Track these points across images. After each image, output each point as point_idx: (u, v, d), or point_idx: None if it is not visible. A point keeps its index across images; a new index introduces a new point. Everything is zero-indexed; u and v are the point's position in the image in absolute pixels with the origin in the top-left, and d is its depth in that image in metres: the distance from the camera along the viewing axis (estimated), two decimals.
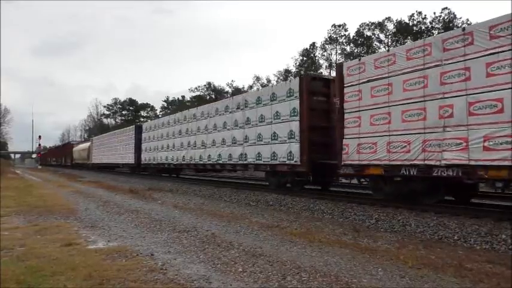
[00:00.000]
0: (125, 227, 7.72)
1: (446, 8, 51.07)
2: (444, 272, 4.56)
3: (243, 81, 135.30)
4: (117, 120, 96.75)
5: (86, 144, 45.31)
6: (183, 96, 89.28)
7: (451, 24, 47.05)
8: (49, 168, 58.40)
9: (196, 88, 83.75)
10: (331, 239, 6.53)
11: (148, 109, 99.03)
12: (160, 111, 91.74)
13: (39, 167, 60.71)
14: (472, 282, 4.20)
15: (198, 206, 11.19)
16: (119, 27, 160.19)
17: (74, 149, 52.18)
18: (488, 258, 5.29)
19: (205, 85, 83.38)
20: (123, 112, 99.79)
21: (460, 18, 49.74)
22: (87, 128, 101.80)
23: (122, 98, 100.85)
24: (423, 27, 51.72)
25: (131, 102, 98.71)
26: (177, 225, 7.84)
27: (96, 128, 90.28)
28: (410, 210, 8.75)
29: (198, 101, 74.45)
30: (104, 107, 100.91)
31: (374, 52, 46.51)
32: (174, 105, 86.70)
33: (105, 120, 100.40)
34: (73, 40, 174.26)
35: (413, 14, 53.33)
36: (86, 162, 44.01)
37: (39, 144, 59.99)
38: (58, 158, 68.53)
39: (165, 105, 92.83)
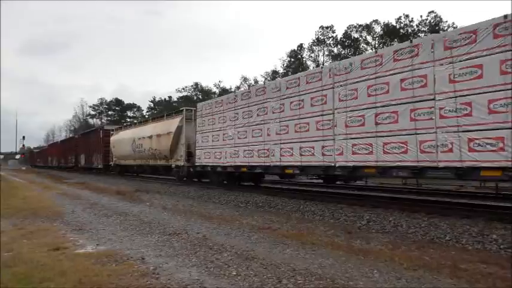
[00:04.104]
0: (114, 230, 7.56)
1: (432, 11, 51.74)
2: (440, 273, 4.54)
3: (231, 81, 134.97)
4: (103, 120, 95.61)
5: (166, 124, 20.86)
6: (169, 97, 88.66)
7: (437, 28, 47.64)
8: (33, 170, 57.36)
9: (183, 88, 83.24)
10: (323, 241, 6.48)
11: (135, 109, 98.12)
12: (147, 112, 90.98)
13: (23, 168, 59.48)
14: (468, 283, 4.18)
15: (187, 208, 11.05)
16: (107, 28, 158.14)
17: (115, 138, 28.82)
18: (481, 258, 5.29)
19: (192, 85, 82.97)
20: (109, 112, 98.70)
21: (446, 21, 50.44)
22: (73, 128, 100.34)
23: (109, 98, 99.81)
24: (410, 30, 52.26)
25: (117, 102, 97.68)
26: (167, 228, 7.70)
27: (82, 128, 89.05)
28: (401, 211, 8.77)
29: (185, 101, 74.05)
30: (90, 107, 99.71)
31: (361, 53, 46.84)
32: (161, 106, 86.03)
33: (90, 121, 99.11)
34: (61, 40, 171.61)
35: (400, 17, 53.86)
36: (160, 164, 21.63)
37: (23, 145, 58.87)
38: (65, 157, 46.76)
39: (152, 105, 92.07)
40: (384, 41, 53.81)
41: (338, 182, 16.75)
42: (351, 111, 9.51)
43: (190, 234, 7.07)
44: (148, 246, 6.14)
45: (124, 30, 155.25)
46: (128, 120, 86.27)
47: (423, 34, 46.80)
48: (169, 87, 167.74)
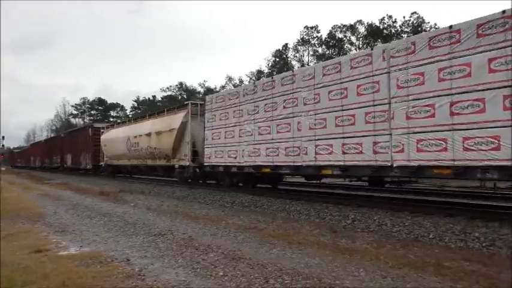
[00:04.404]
0: (98, 231, 7.45)
1: (415, 12, 52.50)
2: (424, 271, 4.60)
3: (215, 81, 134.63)
4: (85, 120, 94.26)
5: (168, 120, 18.84)
6: (153, 96, 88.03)
7: (419, 29, 48.32)
8: (13, 170, 56.20)
9: (167, 88, 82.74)
10: (309, 240, 6.51)
11: (118, 109, 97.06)
12: (131, 111, 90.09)
13: (3, 168, 58.10)
14: (452, 281, 4.24)
15: (172, 208, 10.97)
16: (91, 27, 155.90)
17: (106, 136, 26.85)
18: (464, 256, 5.38)
19: (177, 85, 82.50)
20: (92, 112, 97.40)
21: (428, 22, 51.22)
22: (54, 128, 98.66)
23: (91, 98, 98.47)
24: (393, 31, 52.91)
25: (100, 101, 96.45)
26: (152, 229, 7.63)
27: (64, 128, 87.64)
28: (386, 210, 8.86)
29: (170, 101, 73.58)
30: (72, 106, 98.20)
31: (345, 54, 47.23)
32: (145, 105, 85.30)
33: (73, 120, 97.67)
34: (41, 39, 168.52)
35: (383, 18, 54.50)
36: (160, 164, 19.81)
37: (3, 145, 57.48)
38: (50, 157, 44.35)
39: (136, 105, 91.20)
40: (367, 41, 54.35)
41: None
42: (414, 99, 7.98)
43: (175, 234, 7.01)
44: (134, 247, 6.06)
45: (106, 30, 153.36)
46: (112, 119, 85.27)
47: (406, 35, 47.44)
48: (153, 87, 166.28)
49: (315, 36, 61.62)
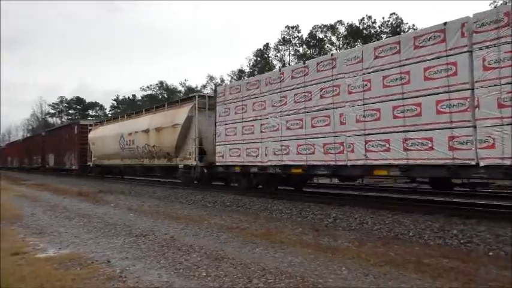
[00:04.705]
0: (77, 233, 7.31)
1: (394, 13, 53.37)
2: (405, 269, 4.67)
3: (196, 80, 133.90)
4: (63, 119, 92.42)
5: (170, 115, 17.04)
6: (133, 95, 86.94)
7: (398, 29, 49.12)
8: None
9: (148, 87, 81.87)
10: (292, 239, 6.53)
11: (97, 108, 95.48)
12: (110, 111, 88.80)
13: None
14: (432, 278, 4.32)
15: (153, 209, 10.85)
16: (68, 25, 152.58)
17: (95, 134, 25.09)
18: (443, 253, 5.49)
19: (157, 84, 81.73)
20: (70, 111, 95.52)
21: (407, 23, 52.12)
22: (30, 127, 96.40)
23: (69, 97, 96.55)
24: (372, 31, 53.63)
25: (78, 100, 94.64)
26: (133, 229, 7.53)
27: (40, 127, 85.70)
28: (366, 209, 8.97)
29: (150, 100, 72.85)
30: (49, 105, 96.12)
31: (326, 54, 47.65)
32: (125, 104, 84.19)
33: (50, 120, 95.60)
34: (17, 37, 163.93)
35: (363, 18, 55.18)
36: (160, 164, 18.08)
37: None
38: (29, 157, 41.66)
39: (115, 104, 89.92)
40: (347, 41, 54.96)
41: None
42: (509, 83, 6.59)
43: (157, 235, 6.94)
44: (114, 248, 5.97)
45: (84, 28, 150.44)
46: (90, 119, 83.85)
47: (385, 35, 48.13)
48: (133, 86, 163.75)
49: (295, 36, 61.97)
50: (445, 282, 4.19)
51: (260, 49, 64.69)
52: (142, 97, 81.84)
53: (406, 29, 48.49)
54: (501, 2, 37.81)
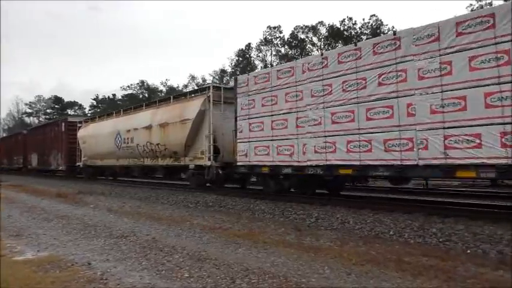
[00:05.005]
0: (56, 235, 7.17)
1: (374, 15, 54.15)
2: (386, 267, 4.73)
3: (178, 80, 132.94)
4: (40, 119, 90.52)
5: (179, 109, 15.53)
6: (113, 95, 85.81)
7: (378, 31, 49.83)
8: None
9: (128, 86, 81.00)
10: (275, 239, 6.54)
11: (76, 107, 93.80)
12: (89, 110, 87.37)
13: None
14: (412, 276, 4.39)
15: (134, 210, 10.72)
16: (47, 23, 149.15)
17: (86, 132, 23.19)
18: (423, 252, 5.58)
19: (138, 83, 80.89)
20: (48, 110, 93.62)
21: (387, 25, 52.93)
22: (6, 127, 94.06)
23: (47, 96, 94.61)
24: (353, 33, 54.26)
25: (57, 100, 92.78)
26: (114, 231, 7.42)
27: (17, 127, 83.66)
28: (348, 208, 9.06)
29: (131, 99, 72.02)
30: (26, 104, 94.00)
31: (308, 55, 47.99)
32: (104, 104, 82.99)
33: (27, 119, 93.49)
34: None
35: (344, 19, 55.80)
36: (164, 165, 16.68)
37: None
38: (9, 157, 39.43)
39: (95, 103, 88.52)
40: (329, 42, 55.47)
41: None
42: None
43: (139, 236, 6.86)
44: (95, 250, 5.88)
45: (63, 26, 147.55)
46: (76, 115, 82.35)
47: (365, 37, 48.76)
48: (113, 86, 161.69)
49: (277, 36, 62.21)
50: (425, 280, 4.26)
51: (242, 49, 64.80)
52: (122, 96, 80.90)
53: (386, 31, 49.21)
54: None
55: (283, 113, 10.70)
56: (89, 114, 75.96)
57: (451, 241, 6.17)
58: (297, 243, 6.27)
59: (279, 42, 62.39)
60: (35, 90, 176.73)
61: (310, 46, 58.53)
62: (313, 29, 58.32)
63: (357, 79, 9.00)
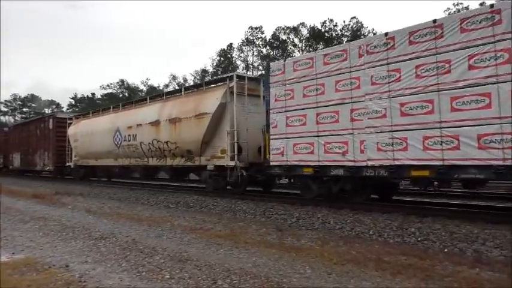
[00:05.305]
0: (32, 236, 7.00)
1: (354, 17, 54.83)
2: (366, 267, 4.79)
3: (159, 79, 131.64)
4: (16, 118, 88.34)
5: (194, 101, 13.79)
6: (93, 94, 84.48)
7: (358, 33, 50.47)
8: None
9: (108, 85, 79.82)
10: (256, 240, 6.55)
11: (54, 106, 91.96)
12: (68, 109, 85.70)
13: None
14: (391, 275, 4.45)
15: (113, 210, 10.56)
16: (23, 21, 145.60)
17: (78, 129, 21.39)
18: (402, 251, 5.67)
19: (118, 82, 79.82)
20: (24, 109, 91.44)
21: (367, 27, 53.68)
22: None
23: (23, 94, 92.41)
24: (334, 34, 54.79)
25: (33, 98, 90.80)
26: (93, 232, 7.30)
27: None
28: (329, 208, 9.13)
29: (110, 98, 71.01)
30: (1, 103, 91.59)
31: (289, 56, 48.24)
32: (83, 103, 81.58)
33: (2, 118, 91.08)
34: None
35: (325, 21, 56.26)
36: (174, 165, 14.98)
37: None
38: None
39: (73, 102, 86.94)
40: (310, 43, 55.85)
41: None
42: None
43: (118, 237, 6.76)
44: (73, 252, 5.76)
45: (40, 23, 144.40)
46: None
47: (346, 39, 49.31)
48: (92, 84, 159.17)
49: (259, 37, 62.29)
50: (404, 279, 4.33)
51: (224, 49, 64.62)
52: (102, 96, 79.69)
53: (366, 33, 49.88)
54: None
55: (333, 104, 9.26)
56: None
57: (429, 240, 6.30)
58: (278, 243, 6.29)
59: (260, 43, 62.54)
60: (11, 89, 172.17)
61: (292, 47, 58.85)
62: (295, 30, 58.66)
63: (437, 62, 7.64)
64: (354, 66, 8.95)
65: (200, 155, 13.34)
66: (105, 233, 7.21)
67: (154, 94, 18.90)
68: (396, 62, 8.24)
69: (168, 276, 4.47)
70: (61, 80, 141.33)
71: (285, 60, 10.77)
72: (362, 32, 51.38)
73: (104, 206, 11.45)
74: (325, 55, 9.57)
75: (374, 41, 8.75)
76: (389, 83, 8.32)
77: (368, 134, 8.61)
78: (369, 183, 9.39)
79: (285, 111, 10.31)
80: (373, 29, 51.35)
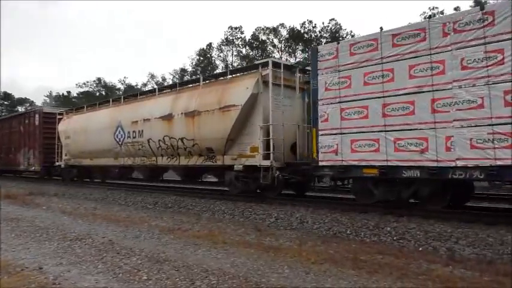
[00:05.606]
0: (4, 238, 6.79)
1: (333, 19, 55.43)
2: (343, 266, 4.86)
3: (137, 78, 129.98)
4: None
5: (217, 92, 11.95)
6: (68, 92, 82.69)
7: (337, 35, 51.03)
8: None
9: (84, 83, 78.25)
10: (235, 240, 6.54)
11: (28, 104, 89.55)
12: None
13: None
14: (368, 274, 4.53)
15: (90, 211, 10.36)
16: None
17: (71, 125, 19.37)
18: (378, 250, 5.78)
19: (94, 81, 78.35)
20: None
21: (345, 29, 54.31)
22: None
23: None
24: (313, 35, 55.22)
25: (6, 96, 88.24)
26: (68, 233, 7.15)
27: None
28: (307, 208, 9.20)
29: (87, 97, 69.70)
30: None
31: (268, 56, 48.39)
32: (58, 101, 79.78)
33: None
34: None
35: (304, 22, 56.63)
36: (188, 164, 13.24)
37: None
38: None
39: (48, 100, 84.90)
40: (289, 44, 56.13)
41: None
42: None
43: (94, 239, 6.64)
44: (47, 254, 5.63)
45: (14, 20, 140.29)
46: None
47: (325, 40, 49.83)
48: (68, 83, 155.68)
49: (239, 37, 62.17)
50: (380, 277, 4.41)
51: (203, 48, 64.23)
52: (78, 94, 78.12)
53: (345, 35, 50.51)
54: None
55: (406, 93, 7.86)
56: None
57: (405, 239, 6.43)
58: (256, 243, 6.30)
59: (240, 43, 62.39)
60: None
61: (271, 47, 58.97)
62: (274, 31, 58.79)
63: None
64: (436, 48, 7.53)
65: (224, 154, 11.64)
66: (80, 234, 7.06)
67: (164, 85, 17.01)
68: (497, 42, 6.85)
69: (145, 277, 4.42)
70: (36, 78, 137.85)
71: (338, 43, 9.25)
72: (340, 34, 51.94)
73: (80, 207, 11.23)
74: (394, 35, 8.09)
75: (464, 16, 7.30)
76: (487, 66, 6.94)
77: (457, 128, 7.24)
78: (449, 187, 7.96)
79: (339, 102, 8.84)
80: (351, 31, 52.06)
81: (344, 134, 8.76)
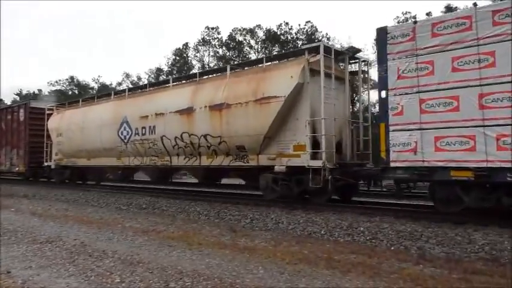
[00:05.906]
0: None
1: (309, 21, 55.93)
2: (317, 266, 4.92)
3: (111, 77, 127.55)
4: None
5: (252, 81, 10.36)
6: (39, 90, 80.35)
7: (313, 37, 51.52)
8: None
9: (56, 82, 76.21)
10: (210, 241, 6.53)
11: None
12: None
13: None
14: (342, 273, 4.60)
15: (61, 213, 10.13)
16: None
17: (64, 121, 17.00)
18: (352, 249, 5.88)
19: (67, 79, 76.43)
20: None
21: (321, 32, 54.90)
22: None
23: None
24: (289, 37, 55.57)
25: None
26: (38, 236, 6.96)
27: None
28: (282, 209, 9.25)
29: (59, 96, 68.02)
30: None
31: (245, 57, 48.46)
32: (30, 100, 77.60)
33: None
34: None
35: (281, 24, 56.93)
36: (209, 165, 11.52)
37: None
38: None
39: (18, 99, 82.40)
40: (266, 45, 56.33)
41: None
42: None
43: (66, 241, 6.49)
44: (15, 257, 5.47)
45: None
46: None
47: (301, 42, 50.25)
48: (39, 81, 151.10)
49: (215, 37, 61.96)
50: (354, 276, 4.48)
51: (179, 48, 63.69)
52: (49, 92, 76.06)
53: (320, 37, 51.05)
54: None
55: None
56: None
57: (377, 239, 6.56)
58: (232, 244, 6.30)
59: (216, 43, 62.15)
60: None
61: (248, 48, 59.03)
62: (251, 32, 58.88)
63: None
64: None
65: (259, 153, 10.18)
66: (51, 236, 6.90)
67: (181, 76, 15.00)
68: None
69: (118, 280, 4.36)
70: (5, 77, 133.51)
71: (415, 23, 7.79)
72: (316, 36, 52.51)
73: (51, 208, 10.97)
74: (495, 11, 6.74)
75: None
76: None
77: None
78: None
79: (418, 92, 7.50)
80: (327, 34, 52.68)
81: (425, 129, 7.38)
